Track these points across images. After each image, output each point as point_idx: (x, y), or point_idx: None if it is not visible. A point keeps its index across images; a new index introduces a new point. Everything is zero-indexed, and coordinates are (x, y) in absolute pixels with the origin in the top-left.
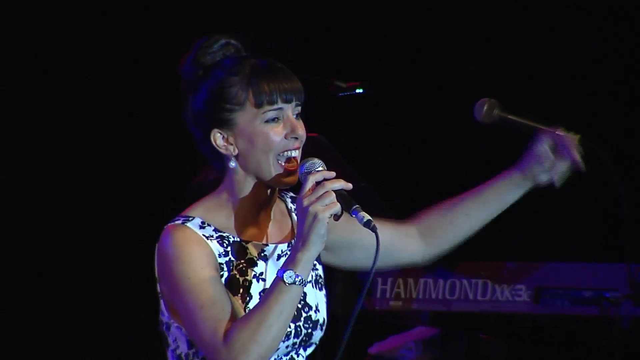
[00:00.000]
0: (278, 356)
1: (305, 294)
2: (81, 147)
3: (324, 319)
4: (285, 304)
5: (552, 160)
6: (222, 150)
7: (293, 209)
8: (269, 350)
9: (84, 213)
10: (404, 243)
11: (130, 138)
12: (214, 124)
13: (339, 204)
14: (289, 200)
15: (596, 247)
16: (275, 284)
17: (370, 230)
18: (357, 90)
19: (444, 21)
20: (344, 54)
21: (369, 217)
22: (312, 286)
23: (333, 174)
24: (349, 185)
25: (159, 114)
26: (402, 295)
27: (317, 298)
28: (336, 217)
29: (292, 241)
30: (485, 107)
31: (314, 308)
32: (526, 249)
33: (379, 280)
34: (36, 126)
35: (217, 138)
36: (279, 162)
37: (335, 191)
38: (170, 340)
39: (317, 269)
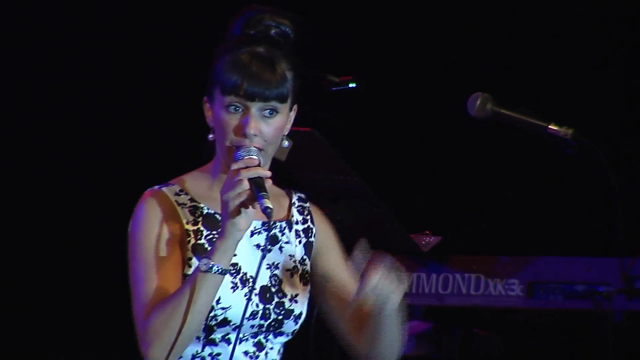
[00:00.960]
0: (244, 335)
1: (281, 280)
2: (81, 145)
3: (300, 312)
4: (200, 291)
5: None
6: (207, 120)
7: (296, 204)
8: (184, 337)
9: (82, 212)
10: (338, 305)
11: (130, 135)
12: (208, 91)
13: (249, 192)
14: (294, 195)
15: (589, 241)
16: (193, 272)
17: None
18: (350, 85)
19: (437, 14)
20: (336, 48)
21: (269, 205)
22: (294, 277)
23: (256, 162)
24: (267, 173)
25: (158, 113)
26: None
27: (296, 289)
28: (248, 204)
29: (274, 222)
30: (478, 102)
31: (289, 296)
32: (519, 243)
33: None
34: (36, 125)
35: (205, 107)
36: (232, 153)
37: (250, 179)
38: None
39: (305, 265)
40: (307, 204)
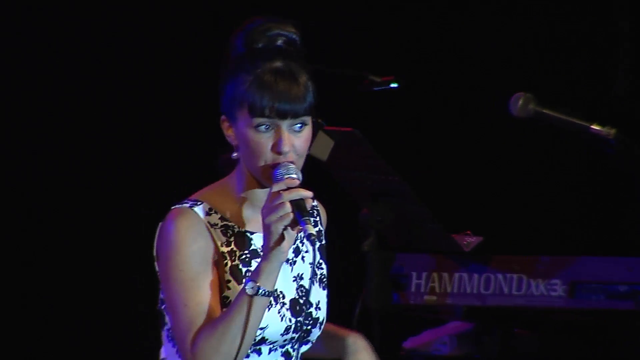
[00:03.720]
0: (274, 347)
1: (307, 291)
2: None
3: (323, 317)
4: (249, 315)
5: None
6: (228, 139)
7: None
8: (232, 358)
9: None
10: None
11: (134, 134)
12: (225, 110)
13: (292, 215)
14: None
15: (631, 241)
16: (239, 295)
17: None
18: (392, 85)
19: (478, 13)
20: (378, 48)
21: (313, 232)
22: (316, 284)
23: (297, 182)
24: (309, 194)
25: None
26: (437, 290)
27: (319, 296)
28: (291, 227)
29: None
30: (520, 102)
31: (314, 305)
32: (561, 243)
33: (414, 274)
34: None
35: (224, 126)
36: (268, 171)
37: (292, 201)
38: (167, 318)
39: (322, 268)
40: (315, 203)
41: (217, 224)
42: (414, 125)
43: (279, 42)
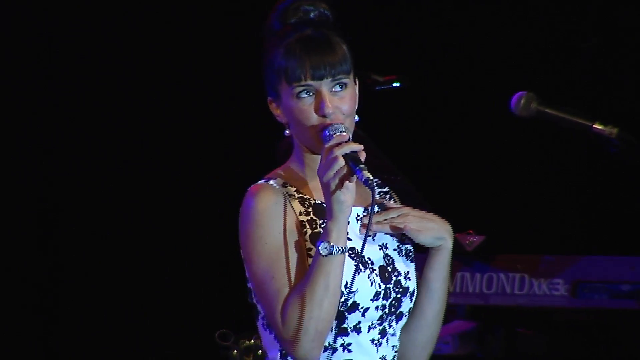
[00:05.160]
0: (372, 323)
1: (393, 259)
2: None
3: (414, 289)
4: (329, 275)
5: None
6: (278, 119)
7: (377, 190)
8: (326, 322)
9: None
10: None
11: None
12: (269, 91)
13: (346, 169)
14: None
15: (634, 240)
16: (315, 259)
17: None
18: (394, 84)
19: (480, 13)
20: (381, 47)
21: (369, 177)
22: (402, 255)
23: (347, 137)
24: (359, 147)
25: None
26: None
27: (408, 267)
28: (347, 179)
29: (368, 207)
30: (523, 100)
31: (403, 274)
32: (563, 242)
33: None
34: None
35: (272, 107)
36: (318, 135)
37: (344, 155)
38: (259, 307)
39: (407, 244)
40: (387, 189)
41: (294, 195)
42: (416, 125)
43: (312, 14)
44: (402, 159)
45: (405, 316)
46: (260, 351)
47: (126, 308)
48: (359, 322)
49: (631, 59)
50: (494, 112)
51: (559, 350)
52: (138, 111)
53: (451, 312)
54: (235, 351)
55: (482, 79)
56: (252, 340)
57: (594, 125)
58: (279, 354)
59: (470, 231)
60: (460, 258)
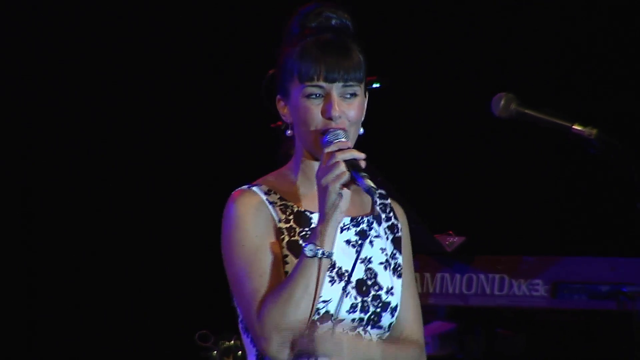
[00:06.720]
0: (343, 330)
1: (376, 273)
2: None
3: (397, 304)
4: (311, 277)
5: None
6: (284, 118)
7: (378, 202)
8: (300, 324)
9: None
10: None
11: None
12: (278, 90)
13: (347, 173)
14: (375, 193)
15: (613, 241)
16: (300, 259)
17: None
18: (374, 85)
19: (459, 13)
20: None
21: (372, 185)
22: (387, 270)
23: (348, 144)
24: (361, 155)
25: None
26: (419, 290)
27: (392, 282)
28: (347, 186)
29: (361, 217)
30: (502, 101)
31: (385, 289)
32: (543, 243)
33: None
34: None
35: (280, 105)
36: (319, 138)
37: (346, 161)
38: (239, 310)
39: (396, 259)
40: (388, 201)
41: (276, 202)
42: (396, 126)
43: (333, 21)
44: (382, 160)
45: (386, 331)
46: (240, 352)
47: (106, 309)
48: (326, 321)
49: (610, 59)
50: (474, 113)
51: (539, 351)
52: (137, 111)
53: (431, 313)
54: (215, 352)
55: (461, 80)
56: (232, 341)
57: (573, 126)
58: (255, 358)
59: (450, 232)
60: (440, 259)
